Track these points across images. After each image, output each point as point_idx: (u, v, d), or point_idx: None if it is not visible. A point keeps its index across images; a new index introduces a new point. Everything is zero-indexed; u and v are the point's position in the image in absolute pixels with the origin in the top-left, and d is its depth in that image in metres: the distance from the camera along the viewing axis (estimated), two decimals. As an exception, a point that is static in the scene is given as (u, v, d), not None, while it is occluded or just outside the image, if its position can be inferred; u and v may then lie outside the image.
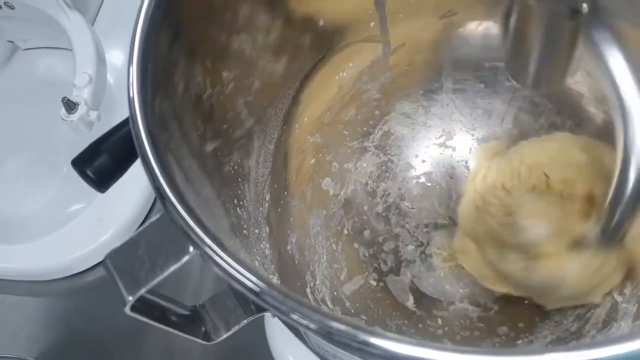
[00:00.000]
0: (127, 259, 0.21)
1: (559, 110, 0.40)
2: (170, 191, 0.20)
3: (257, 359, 0.46)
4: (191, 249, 0.21)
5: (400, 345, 0.18)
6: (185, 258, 0.21)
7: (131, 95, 0.22)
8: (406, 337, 0.18)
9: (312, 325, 0.19)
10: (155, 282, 0.21)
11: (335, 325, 0.18)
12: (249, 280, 0.19)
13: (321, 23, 0.36)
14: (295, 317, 0.19)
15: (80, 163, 0.29)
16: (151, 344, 0.49)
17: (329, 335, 0.18)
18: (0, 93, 0.59)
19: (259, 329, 0.45)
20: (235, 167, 0.32)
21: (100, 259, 0.54)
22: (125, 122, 0.30)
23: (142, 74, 0.22)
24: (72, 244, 0.51)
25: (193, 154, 0.25)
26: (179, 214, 0.20)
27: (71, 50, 0.57)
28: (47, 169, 0.56)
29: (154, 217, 0.22)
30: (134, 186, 0.53)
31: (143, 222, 0.54)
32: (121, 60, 0.56)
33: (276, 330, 0.44)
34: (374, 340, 0.18)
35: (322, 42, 0.38)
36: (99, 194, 0.52)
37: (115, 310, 0.52)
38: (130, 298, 0.21)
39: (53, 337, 0.50)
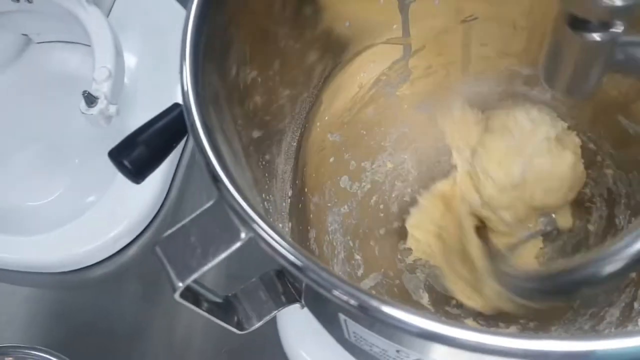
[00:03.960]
0: (178, 246, 0.22)
1: (574, 115, 0.41)
2: (225, 175, 0.21)
3: (269, 355, 0.46)
4: (242, 235, 0.21)
5: (434, 323, 0.19)
6: (237, 245, 0.21)
7: (185, 83, 0.22)
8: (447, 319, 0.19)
9: (352, 302, 0.19)
10: (206, 268, 0.22)
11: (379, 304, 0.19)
12: (300, 260, 0.20)
13: (347, 24, 0.37)
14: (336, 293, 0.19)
15: (118, 154, 0.29)
16: (157, 338, 0.49)
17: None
18: (13, 86, 0.58)
19: (271, 325, 0.45)
20: (265, 162, 0.33)
21: (110, 253, 0.55)
22: (160, 116, 0.30)
23: (194, 58, 0.22)
24: (83, 237, 0.51)
25: (240, 141, 0.25)
26: (233, 197, 0.21)
27: (83, 44, 0.57)
28: (59, 162, 0.56)
29: (205, 206, 0.22)
30: (145, 182, 0.53)
31: (155, 217, 0.54)
32: (134, 60, 0.56)
33: (288, 327, 0.45)
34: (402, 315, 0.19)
35: (346, 43, 0.39)
36: (111, 188, 0.52)
37: (124, 304, 0.52)
38: (181, 284, 0.22)
39: (63, 328, 0.50)
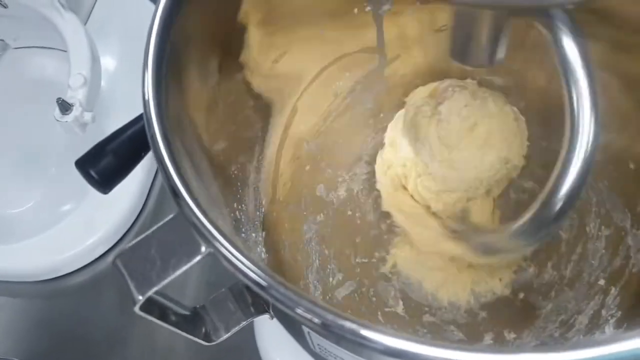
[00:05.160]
0: (138, 259, 0.22)
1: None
2: (185, 190, 0.21)
3: (245, 363, 0.46)
4: (203, 249, 0.21)
5: (399, 340, 0.19)
6: (197, 258, 0.21)
7: (146, 92, 0.22)
8: (407, 334, 0.19)
9: (316, 320, 0.19)
10: (166, 281, 0.22)
11: (344, 322, 0.19)
12: (262, 278, 0.20)
13: (321, 32, 0.37)
14: (299, 311, 0.19)
15: (85, 164, 0.29)
16: (136, 346, 0.49)
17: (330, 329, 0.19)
18: (-10, 91, 0.58)
19: (249, 332, 0.45)
20: (236, 171, 0.33)
21: (88, 261, 0.54)
22: (130, 124, 0.30)
23: (157, 68, 0.22)
24: (59, 245, 0.51)
25: (204, 152, 0.25)
26: (193, 213, 0.20)
27: (61, 50, 0.57)
28: (36, 170, 0.56)
29: (167, 218, 0.22)
30: (122, 189, 0.52)
31: (132, 226, 0.54)
32: (112, 64, 0.56)
33: (265, 334, 0.45)
34: (367, 333, 0.19)
35: (319, 52, 0.39)
36: (87, 196, 0.52)
37: (102, 311, 0.51)
38: (141, 297, 0.22)
39: (40, 338, 0.50)
